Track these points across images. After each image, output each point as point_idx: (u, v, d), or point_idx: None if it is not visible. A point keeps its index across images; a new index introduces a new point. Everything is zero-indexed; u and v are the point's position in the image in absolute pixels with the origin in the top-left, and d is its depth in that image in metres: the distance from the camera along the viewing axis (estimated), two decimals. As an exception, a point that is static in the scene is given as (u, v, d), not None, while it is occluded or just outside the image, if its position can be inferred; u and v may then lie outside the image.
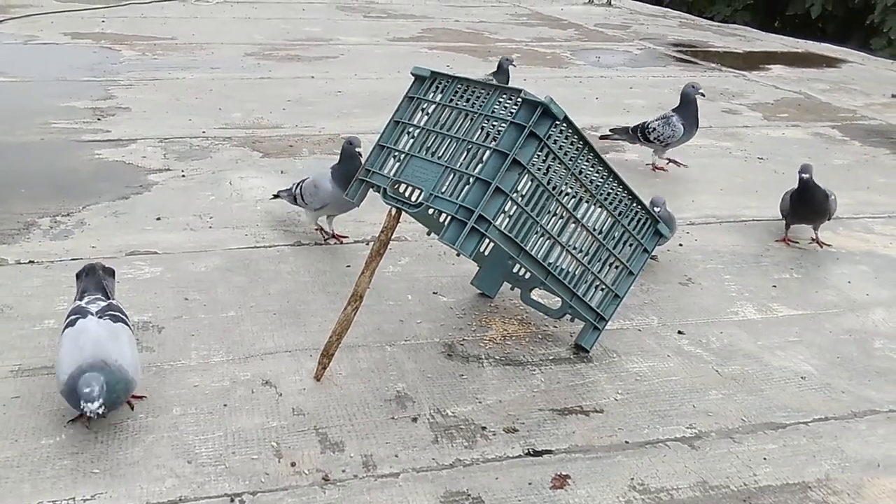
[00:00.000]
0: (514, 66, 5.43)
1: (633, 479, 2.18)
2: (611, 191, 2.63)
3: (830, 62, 8.63)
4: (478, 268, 3.09)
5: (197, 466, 2.12)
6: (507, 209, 2.35)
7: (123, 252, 3.25)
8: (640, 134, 4.63)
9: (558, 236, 2.52)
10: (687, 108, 4.56)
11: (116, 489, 2.03)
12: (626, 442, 2.34)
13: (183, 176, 4.14)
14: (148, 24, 8.29)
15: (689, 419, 2.45)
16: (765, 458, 2.29)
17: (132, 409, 2.30)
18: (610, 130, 4.89)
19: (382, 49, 7.88)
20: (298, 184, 3.45)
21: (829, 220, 3.80)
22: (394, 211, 2.50)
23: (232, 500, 2.02)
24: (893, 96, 7.02)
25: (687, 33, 10.12)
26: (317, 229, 3.52)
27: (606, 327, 2.77)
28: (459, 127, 2.46)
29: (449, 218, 2.28)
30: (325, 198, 3.31)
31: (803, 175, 3.64)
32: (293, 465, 2.15)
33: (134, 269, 3.13)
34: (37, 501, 1.98)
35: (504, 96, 2.39)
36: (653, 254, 3.34)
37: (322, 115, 5.37)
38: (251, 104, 5.52)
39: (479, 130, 2.43)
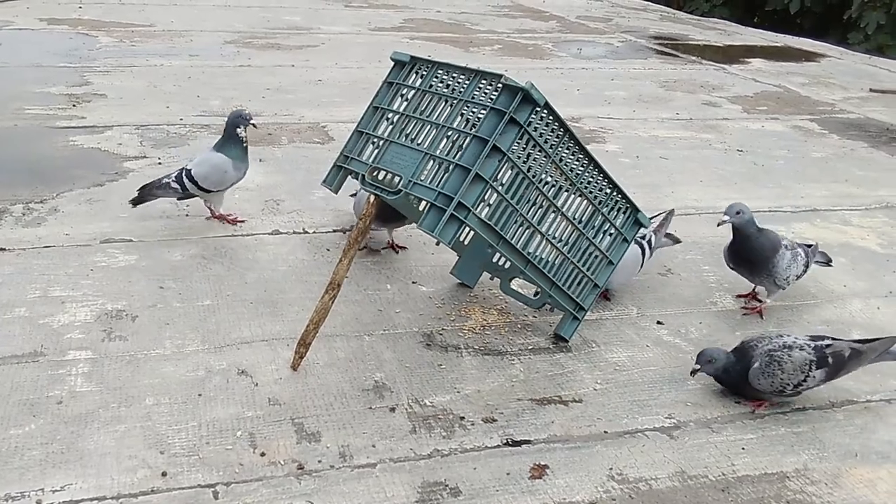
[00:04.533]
0: None
1: (611, 468, 2.17)
2: (591, 179, 2.61)
3: (809, 56, 8.68)
4: (457, 257, 3.06)
5: (170, 457, 2.08)
6: (486, 197, 2.32)
7: (97, 240, 3.19)
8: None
9: (538, 225, 2.49)
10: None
11: (87, 480, 1.98)
12: (605, 432, 2.32)
13: (160, 163, 4.08)
14: (126, 11, 8.17)
15: (668, 409, 2.45)
16: (743, 448, 2.29)
17: None
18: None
19: (364, 38, 7.82)
20: None
21: (774, 283, 2.96)
22: (372, 198, 2.46)
23: (205, 491, 1.98)
24: (871, 90, 7.07)
25: (668, 27, 10.13)
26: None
27: (586, 317, 2.76)
28: (439, 113, 2.42)
29: (428, 205, 2.24)
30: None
31: (724, 218, 2.88)
32: (268, 455, 2.11)
33: (108, 256, 3.08)
34: (4, 493, 1.93)
35: (484, 82, 2.36)
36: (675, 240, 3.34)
37: (302, 104, 5.32)
38: (230, 92, 5.45)
39: (460, 116, 2.40)
